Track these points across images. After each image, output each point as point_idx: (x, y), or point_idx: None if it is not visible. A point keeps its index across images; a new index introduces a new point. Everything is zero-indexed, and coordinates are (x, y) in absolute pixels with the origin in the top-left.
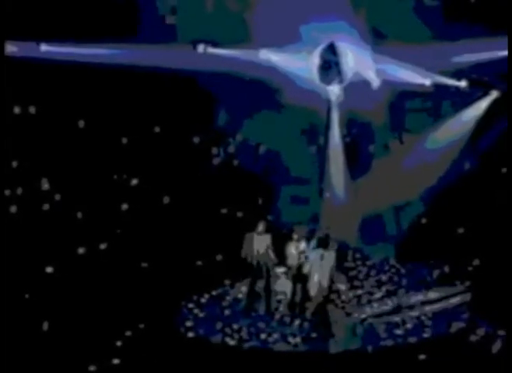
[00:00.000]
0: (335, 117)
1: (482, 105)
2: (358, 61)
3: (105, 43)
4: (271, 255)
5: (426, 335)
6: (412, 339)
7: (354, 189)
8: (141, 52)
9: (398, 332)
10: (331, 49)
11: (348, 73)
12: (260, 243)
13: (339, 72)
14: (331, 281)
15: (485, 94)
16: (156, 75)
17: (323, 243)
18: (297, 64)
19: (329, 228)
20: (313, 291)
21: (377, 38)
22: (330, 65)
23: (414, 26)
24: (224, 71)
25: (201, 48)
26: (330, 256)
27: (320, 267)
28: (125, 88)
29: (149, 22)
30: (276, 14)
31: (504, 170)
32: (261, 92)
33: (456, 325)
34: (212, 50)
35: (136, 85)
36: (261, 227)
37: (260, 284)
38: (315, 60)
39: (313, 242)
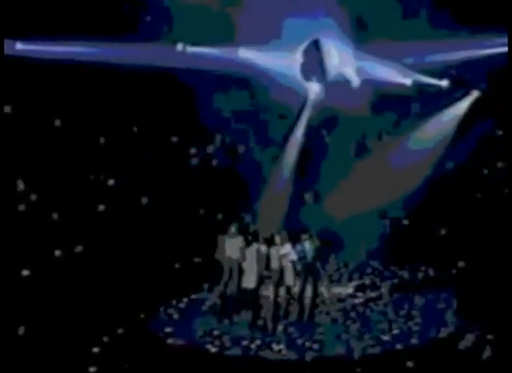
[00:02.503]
0: (306, 116)
1: (463, 105)
2: (341, 58)
3: (82, 42)
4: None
5: (413, 341)
6: (400, 346)
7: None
8: (119, 50)
9: (385, 338)
10: (316, 46)
11: (331, 71)
12: (232, 246)
13: (323, 70)
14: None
15: (466, 94)
16: (135, 74)
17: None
18: (279, 61)
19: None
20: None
21: (361, 34)
22: (313, 63)
23: (398, 23)
24: (204, 69)
25: (180, 46)
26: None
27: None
28: (102, 86)
29: (130, 20)
30: (259, 11)
31: (486, 171)
32: (240, 91)
33: (445, 331)
34: (191, 48)
35: (114, 84)
36: (233, 229)
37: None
38: (298, 57)
39: (300, 245)
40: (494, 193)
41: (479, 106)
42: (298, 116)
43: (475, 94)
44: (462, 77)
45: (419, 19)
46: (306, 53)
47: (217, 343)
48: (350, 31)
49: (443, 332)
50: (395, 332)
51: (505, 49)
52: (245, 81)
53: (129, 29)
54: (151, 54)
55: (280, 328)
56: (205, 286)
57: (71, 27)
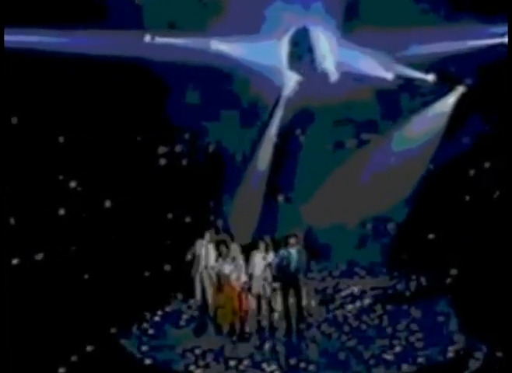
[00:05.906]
0: (280, 112)
1: (449, 101)
2: (327, 48)
3: (41, 30)
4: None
5: (419, 360)
6: (405, 366)
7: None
8: (85, 39)
9: (388, 357)
10: (304, 34)
11: (320, 61)
12: (210, 253)
13: (312, 60)
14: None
15: (452, 89)
16: (98, 65)
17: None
18: (260, 51)
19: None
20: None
21: (349, 22)
22: (301, 53)
23: (389, 11)
24: (176, 60)
25: (147, 38)
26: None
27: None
28: (62, 79)
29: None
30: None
31: (472, 172)
32: (214, 84)
33: (452, 349)
34: (160, 39)
35: (75, 77)
36: (207, 236)
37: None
38: (283, 47)
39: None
40: (483, 195)
41: (466, 102)
42: (272, 113)
43: (460, 89)
44: (450, 71)
45: (413, 8)
46: (292, 41)
47: (201, 362)
48: (339, 19)
49: (451, 351)
50: (398, 349)
51: (501, 40)
52: (220, 73)
53: (94, 16)
54: (117, 44)
55: (268, 345)
56: (180, 296)
57: (29, 14)
